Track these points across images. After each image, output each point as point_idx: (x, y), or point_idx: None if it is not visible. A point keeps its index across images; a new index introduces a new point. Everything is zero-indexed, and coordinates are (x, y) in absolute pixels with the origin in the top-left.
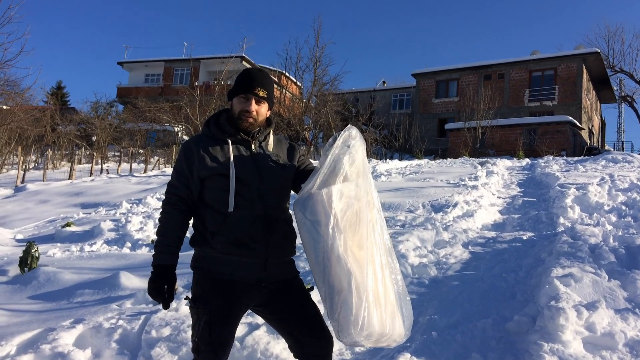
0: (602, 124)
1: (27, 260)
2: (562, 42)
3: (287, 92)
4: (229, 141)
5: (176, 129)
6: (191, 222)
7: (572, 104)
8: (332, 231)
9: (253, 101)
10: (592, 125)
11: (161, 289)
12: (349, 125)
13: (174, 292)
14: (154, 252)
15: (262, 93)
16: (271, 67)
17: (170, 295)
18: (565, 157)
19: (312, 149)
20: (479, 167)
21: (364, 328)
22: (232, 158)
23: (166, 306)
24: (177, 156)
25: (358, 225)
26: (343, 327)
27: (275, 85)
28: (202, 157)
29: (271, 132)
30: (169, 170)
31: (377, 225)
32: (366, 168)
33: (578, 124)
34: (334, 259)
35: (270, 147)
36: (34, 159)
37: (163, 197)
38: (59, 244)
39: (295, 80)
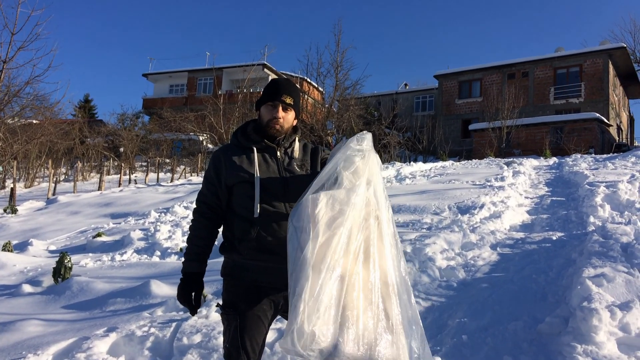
0: (631, 120)
1: (61, 271)
2: (586, 38)
3: (309, 98)
4: (255, 149)
5: (201, 138)
6: (221, 229)
7: (599, 101)
8: (308, 236)
9: (280, 108)
10: (621, 122)
11: (189, 296)
12: (363, 131)
13: (201, 298)
14: (183, 260)
15: (288, 100)
16: (293, 74)
17: (197, 301)
18: (593, 155)
19: None
20: (505, 167)
21: (307, 340)
22: (257, 165)
23: (193, 312)
24: (205, 165)
25: (348, 236)
26: (286, 334)
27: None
28: (228, 166)
29: (297, 138)
30: (195, 178)
31: (379, 236)
32: (372, 175)
33: (606, 120)
34: (300, 263)
35: (296, 153)
36: (64, 172)
37: (190, 205)
38: (90, 254)
39: (316, 86)
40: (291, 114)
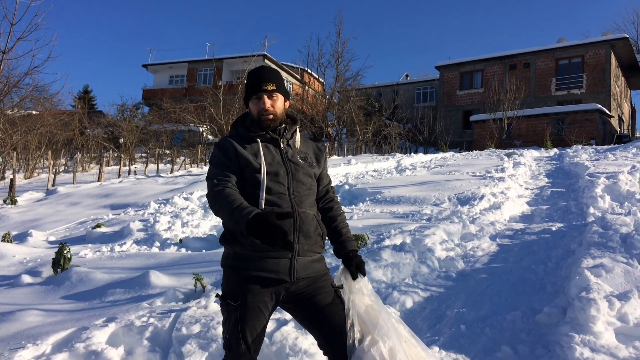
0: (633, 111)
1: (60, 261)
2: (589, 29)
3: (310, 89)
4: (258, 140)
5: (201, 129)
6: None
7: (600, 92)
8: None
9: (265, 98)
10: (622, 113)
11: (275, 224)
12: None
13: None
14: (236, 216)
15: (270, 87)
16: (293, 64)
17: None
18: (594, 146)
19: (335, 145)
20: (506, 158)
21: None
22: (262, 155)
23: (288, 243)
24: (206, 157)
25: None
26: None
27: (296, 81)
28: (237, 153)
29: (297, 129)
30: (195, 170)
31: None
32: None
33: (607, 111)
34: None
35: (298, 144)
36: (64, 162)
37: (190, 196)
38: (90, 245)
39: (317, 77)
40: (279, 100)
